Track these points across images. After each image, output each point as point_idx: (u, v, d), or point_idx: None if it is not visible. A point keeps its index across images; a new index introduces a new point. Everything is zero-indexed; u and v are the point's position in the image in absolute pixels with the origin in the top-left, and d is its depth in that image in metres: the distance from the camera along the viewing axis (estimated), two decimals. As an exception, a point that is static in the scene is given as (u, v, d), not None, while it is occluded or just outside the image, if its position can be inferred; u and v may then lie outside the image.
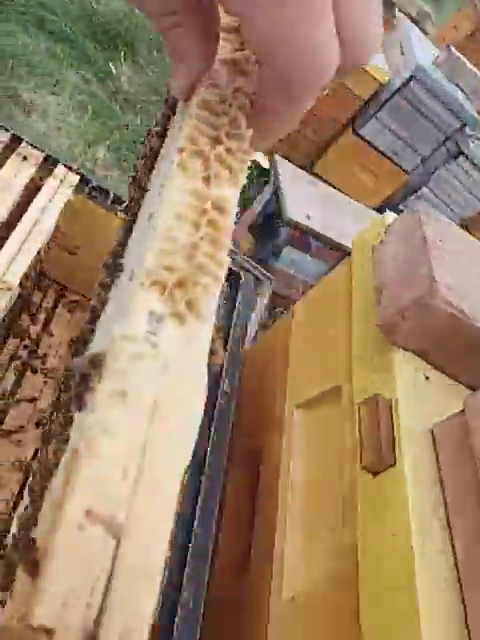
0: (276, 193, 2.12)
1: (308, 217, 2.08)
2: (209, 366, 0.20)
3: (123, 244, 0.30)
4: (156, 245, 0.20)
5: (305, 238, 2.12)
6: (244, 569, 0.72)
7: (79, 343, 0.31)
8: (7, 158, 0.67)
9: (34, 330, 0.84)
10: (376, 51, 0.23)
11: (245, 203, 2.45)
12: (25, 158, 0.68)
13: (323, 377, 0.72)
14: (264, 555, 0.69)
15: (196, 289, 0.20)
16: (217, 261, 0.21)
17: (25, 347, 0.83)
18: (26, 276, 0.63)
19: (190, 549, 0.58)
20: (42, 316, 0.86)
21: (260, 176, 2.51)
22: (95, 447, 0.16)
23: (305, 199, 2.15)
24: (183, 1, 0.23)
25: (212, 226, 0.22)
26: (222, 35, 0.26)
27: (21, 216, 0.65)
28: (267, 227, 2.16)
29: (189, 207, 0.22)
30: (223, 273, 0.21)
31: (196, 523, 0.60)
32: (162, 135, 0.31)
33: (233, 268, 0.82)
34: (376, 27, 0.22)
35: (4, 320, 0.66)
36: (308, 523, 0.65)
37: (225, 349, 0.75)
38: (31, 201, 0.66)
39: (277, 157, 2.21)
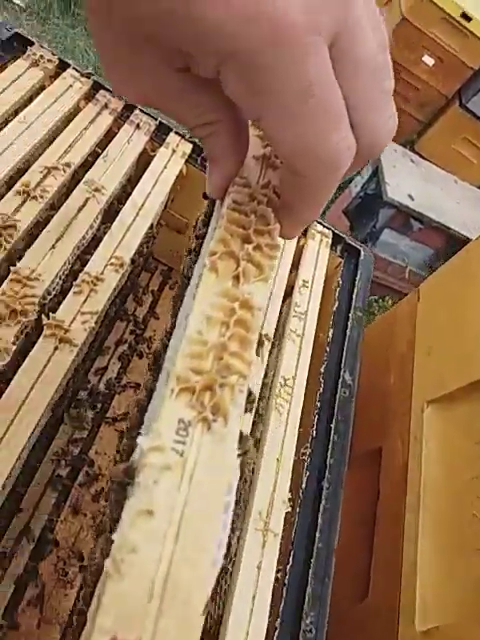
0: (376, 173, 1.99)
1: (411, 197, 1.94)
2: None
3: (169, 335, 0.32)
4: (186, 349, 0.21)
5: (406, 220, 1.99)
6: (364, 590, 0.65)
7: (130, 433, 0.32)
8: (120, 127, 0.63)
9: (140, 312, 0.81)
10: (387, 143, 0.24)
11: (340, 185, 2.33)
12: (138, 126, 0.64)
13: (463, 368, 0.62)
14: (388, 576, 0.61)
15: (223, 391, 0.21)
16: (244, 359, 0.22)
17: (131, 331, 0.79)
18: (139, 253, 0.59)
19: (312, 567, 0.51)
20: (148, 298, 0.83)
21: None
22: (121, 567, 0.16)
23: (407, 179, 2.00)
24: (217, 111, 0.24)
25: (240, 325, 0.23)
26: (253, 131, 0.28)
27: (133, 187, 0.60)
28: (364, 209, 2.04)
29: (219, 308, 0.23)
30: (249, 371, 0.22)
31: (318, 536, 0.53)
32: (207, 223, 0.33)
33: (351, 243, 0.73)
34: (390, 122, 0.23)
35: (114, 302, 0.62)
36: (446, 542, 0.57)
37: (344, 333, 0.67)
38: (144, 171, 0.62)
39: (377, 134, 2.07)
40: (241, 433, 0.22)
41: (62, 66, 0.64)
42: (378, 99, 0.22)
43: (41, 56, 0.62)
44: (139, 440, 0.19)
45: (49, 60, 0.62)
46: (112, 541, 0.17)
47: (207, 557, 0.17)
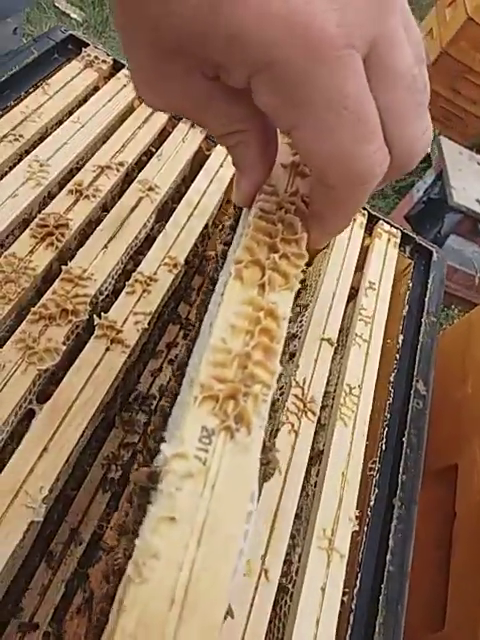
0: (440, 177, 1.91)
1: (479, 202, 1.84)
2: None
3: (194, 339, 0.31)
4: (210, 357, 0.21)
5: (474, 225, 1.89)
6: (439, 619, 0.58)
7: (153, 435, 0.33)
8: (175, 126, 0.62)
9: (193, 315, 0.78)
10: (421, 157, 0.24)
11: (400, 190, 2.26)
12: (193, 125, 0.62)
13: None
14: (468, 605, 0.54)
15: (247, 400, 0.21)
16: (268, 369, 0.22)
17: (184, 336, 0.77)
18: (193, 253, 0.57)
19: (383, 593, 0.46)
20: (200, 299, 0.80)
21: (420, 161, 2.29)
22: (143, 571, 0.16)
23: (474, 183, 1.91)
24: (246, 120, 0.23)
25: (265, 334, 0.22)
26: (281, 139, 0.27)
27: (188, 187, 0.58)
28: (428, 215, 1.96)
29: (244, 317, 0.23)
30: (274, 380, 0.22)
31: (389, 559, 0.48)
32: (235, 228, 0.32)
33: (422, 244, 0.68)
34: (425, 135, 0.23)
35: (168, 303, 0.60)
36: None
37: (416, 340, 0.62)
38: (199, 170, 0.60)
39: (441, 138, 1.99)
40: (264, 443, 0.22)
41: (116, 67, 0.63)
42: (414, 112, 0.22)
43: (96, 57, 0.61)
44: (162, 447, 0.19)
45: (103, 61, 0.62)
46: (134, 545, 0.17)
47: (228, 566, 0.18)
